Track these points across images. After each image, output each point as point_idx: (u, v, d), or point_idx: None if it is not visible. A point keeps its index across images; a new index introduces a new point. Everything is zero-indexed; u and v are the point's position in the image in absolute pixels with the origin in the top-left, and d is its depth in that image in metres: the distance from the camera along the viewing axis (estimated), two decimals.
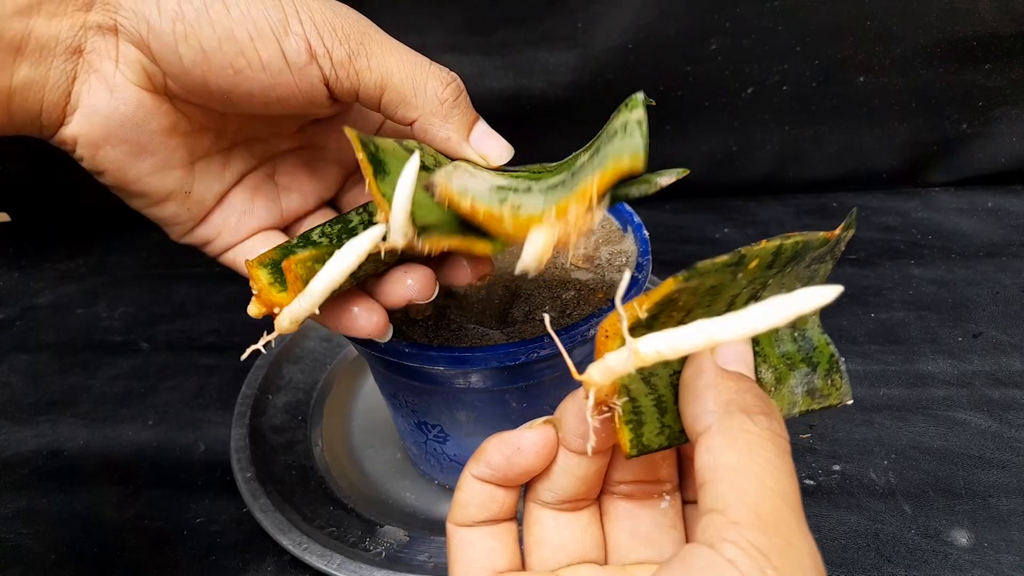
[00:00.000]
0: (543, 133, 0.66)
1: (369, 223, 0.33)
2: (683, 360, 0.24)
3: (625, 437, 0.23)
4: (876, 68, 0.63)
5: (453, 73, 0.29)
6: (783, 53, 0.63)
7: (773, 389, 0.27)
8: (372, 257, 0.27)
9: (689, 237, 0.66)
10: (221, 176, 0.31)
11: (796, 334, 0.28)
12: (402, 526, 0.41)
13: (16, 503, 0.45)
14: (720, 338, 0.21)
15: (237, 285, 0.64)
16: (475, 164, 0.30)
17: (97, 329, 0.60)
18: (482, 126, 0.30)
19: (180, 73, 0.26)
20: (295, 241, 0.32)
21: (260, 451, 0.45)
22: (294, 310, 0.28)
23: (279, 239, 0.33)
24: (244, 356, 0.29)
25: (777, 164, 0.69)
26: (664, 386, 0.24)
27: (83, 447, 0.49)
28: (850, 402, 0.28)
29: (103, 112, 0.27)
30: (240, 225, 0.32)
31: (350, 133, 0.28)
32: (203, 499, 0.45)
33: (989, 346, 0.51)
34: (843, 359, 0.28)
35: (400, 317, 0.37)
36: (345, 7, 0.28)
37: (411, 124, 0.29)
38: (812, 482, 0.43)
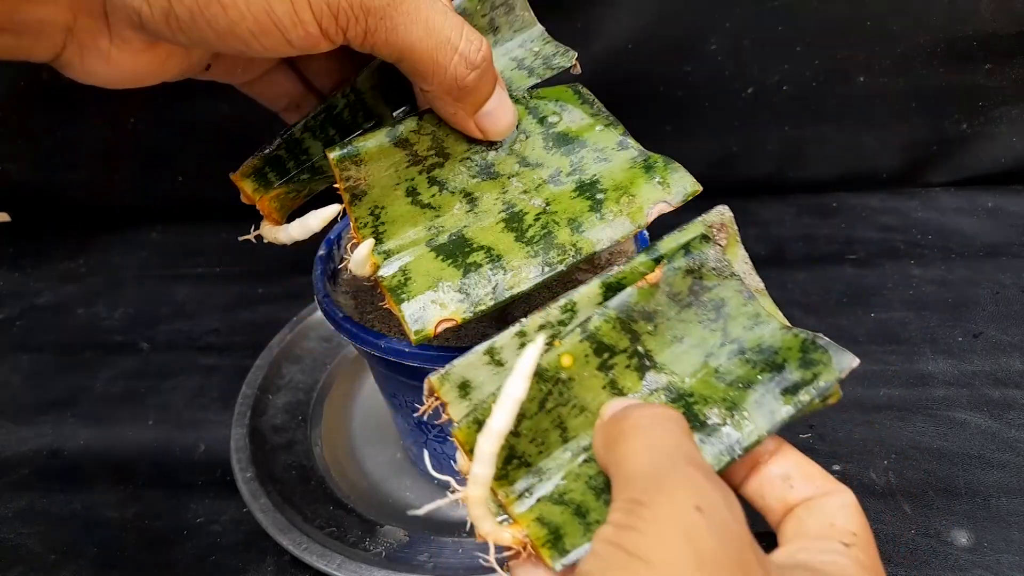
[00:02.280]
0: None
1: (356, 104, 0.32)
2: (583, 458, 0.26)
3: (546, 556, 0.24)
4: (876, 68, 0.63)
5: (484, 47, 0.27)
6: (783, 53, 0.62)
7: (729, 420, 0.26)
8: None
9: None
10: None
11: (748, 354, 0.28)
12: (402, 526, 0.41)
13: (16, 503, 0.45)
14: (500, 423, 0.24)
15: (238, 285, 0.64)
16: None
17: (97, 329, 0.60)
18: (493, 101, 0.29)
19: (182, 46, 0.25)
20: (277, 143, 0.32)
21: (260, 451, 0.45)
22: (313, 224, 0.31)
23: (287, 73, 0.33)
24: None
25: (777, 164, 0.69)
26: (582, 492, 0.25)
27: (83, 447, 0.49)
28: (855, 363, 0.27)
29: (100, 76, 0.26)
30: (249, 69, 0.31)
31: (332, 157, 0.29)
32: (203, 499, 0.45)
33: (989, 346, 0.51)
34: (819, 334, 0.28)
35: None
36: None
37: (422, 90, 0.29)
38: None
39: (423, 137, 0.31)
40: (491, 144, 0.32)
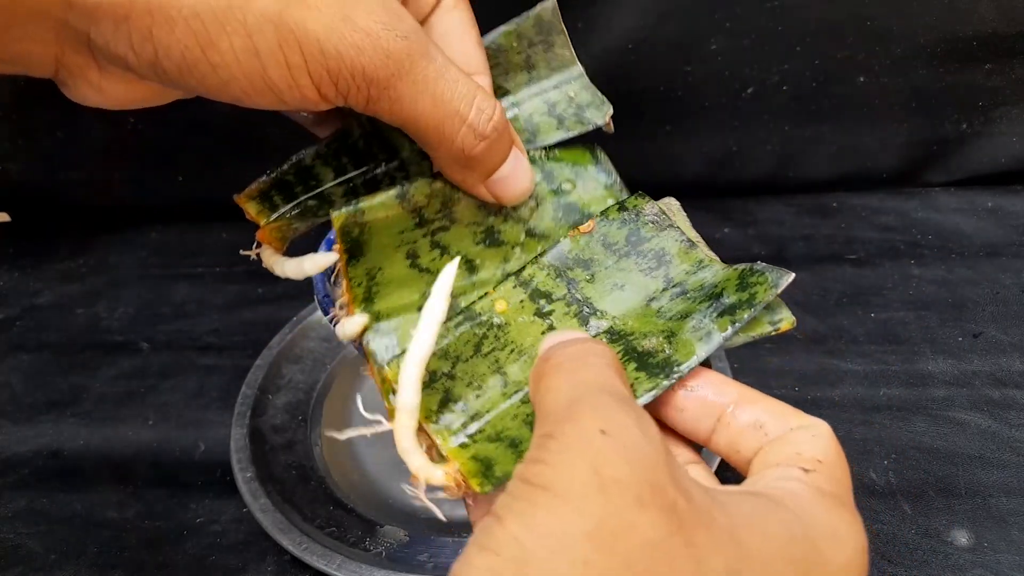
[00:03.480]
0: None
1: (372, 133, 0.31)
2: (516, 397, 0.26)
3: (475, 484, 0.24)
4: (876, 68, 0.63)
5: (497, 115, 0.26)
6: (783, 53, 0.62)
7: (666, 347, 0.26)
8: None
9: None
10: None
11: (690, 293, 0.28)
12: (402, 526, 0.41)
13: (16, 503, 0.45)
14: (422, 346, 0.24)
15: (237, 285, 0.64)
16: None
17: (97, 329, 0.60)
18: (508, 165, 0.27)
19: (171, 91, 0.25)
20: (286, 167, 0.31)
21: (260, 451, 0.45)
22: (319, 265, 0.30)
23: None
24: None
25: (777, 164, 0.69)
26: (518, 428, 0.25)
27: (83, 447, 0.49)
28: (790, 277, 0.27)
29: (94, 102, 0.26)
30: None
31: (335, 219, 0.28)
32: (203, 499, 0.45)
33: (989, 346, 0.51)
34: (758, 262, 0.28)
35: None
36: (398, 23, 0.23)
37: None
38: None
39: (433, 200, 0.29)
40: (500, 209, 0.30)
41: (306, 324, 0.54)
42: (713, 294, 0.27)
